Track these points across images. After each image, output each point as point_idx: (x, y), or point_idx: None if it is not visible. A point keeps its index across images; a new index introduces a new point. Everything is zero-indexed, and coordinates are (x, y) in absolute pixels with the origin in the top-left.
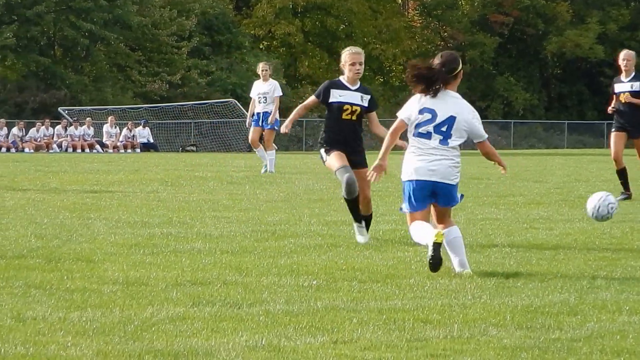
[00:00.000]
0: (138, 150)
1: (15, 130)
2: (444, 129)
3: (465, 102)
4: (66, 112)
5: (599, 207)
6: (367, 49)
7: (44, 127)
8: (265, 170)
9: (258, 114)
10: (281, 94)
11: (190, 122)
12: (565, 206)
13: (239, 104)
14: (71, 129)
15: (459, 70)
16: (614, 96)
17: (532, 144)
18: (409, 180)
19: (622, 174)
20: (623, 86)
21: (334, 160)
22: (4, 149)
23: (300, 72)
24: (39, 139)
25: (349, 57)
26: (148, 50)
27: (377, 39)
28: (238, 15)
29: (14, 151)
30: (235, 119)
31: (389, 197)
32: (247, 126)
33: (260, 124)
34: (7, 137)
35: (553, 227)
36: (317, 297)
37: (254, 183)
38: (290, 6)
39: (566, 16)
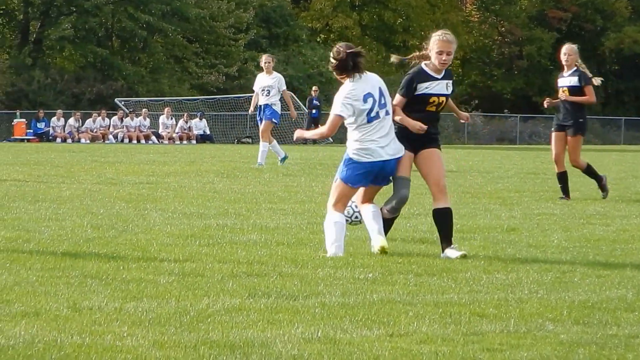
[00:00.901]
0: (194, 141)
1: (71, 120)
2: (383, 101)
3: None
4: (123, 103)
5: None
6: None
7: (100, 117)
8: (283, 160)
9: (260, 106)
10: (285, 87)
11: (246, 114)
12: (622, 202)
13: (295, 97)
14: (127, 120)
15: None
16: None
17: (589, 140)
18: (361, 161)
19: (562, 177)
20: (563, 81)
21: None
22: (60, 140)
23: None
24: (95, 130)
25: (438, 44)
26: (205, 42)
27: None
28: (296, 7)
29: (70, 142)
30: None
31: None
32: (249, 114)
33: (260, 116)
34: (64, 128)
35: (610, 223)
36: (373, 290)
37: (309, 175)
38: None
39: (625, 12)
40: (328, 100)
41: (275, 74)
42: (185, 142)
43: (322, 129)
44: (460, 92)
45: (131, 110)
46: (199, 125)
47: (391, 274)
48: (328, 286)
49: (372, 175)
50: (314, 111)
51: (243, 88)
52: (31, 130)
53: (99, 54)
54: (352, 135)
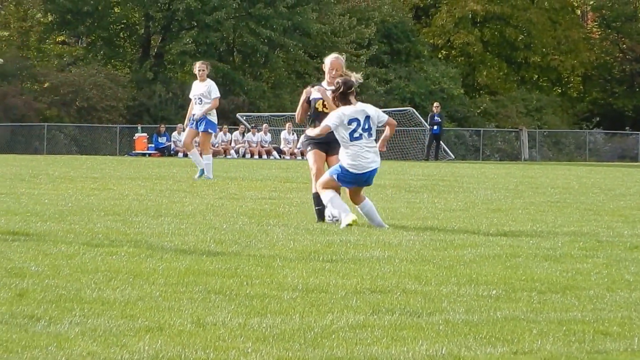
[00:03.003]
0: None
1: None
2: (367, 126)
3: (367, 104)
4: (244, 118)
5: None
6: (546, 59)
7: (222, 132)
8: (201, 175)
9: (194, 115)
10: (218, 95)
11: None
12: None
13: (416, 113)
14: (249, 135)
15: (354, 88)
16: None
17: None
18: (354, 172)
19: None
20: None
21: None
22: (181, 154)
23: (479, 81)
24: (216, 145)
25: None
26: None
27: (556, 49)
28: (417, 24)
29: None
30: (412, 128)
31: (567, 209)
32: (184, 127)
33: (195, 126)
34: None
35: None
36: (496, 307)
37: (432, 192)
38: (470, 16)
39: None
40: (450, 117)
41: (208, 81)
42: (306, 157)
43: (317, 130)
44: (581, 109)
45: (253, 125)
46: None
47: (515, 291)
48: (452, 303)
49: (357, 182)
50: (435, 127)
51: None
52: (152, 145)
53: (221, 69)
54: (343, 151)
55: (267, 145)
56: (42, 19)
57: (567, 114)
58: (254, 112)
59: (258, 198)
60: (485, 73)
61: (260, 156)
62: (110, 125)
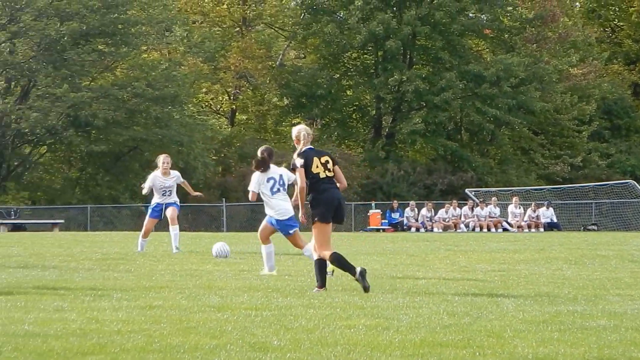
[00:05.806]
0: (541, 229)
1: (424, 211)
2: (281, 182)
3: (281, 168)
4: (472, 193)
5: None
6: None
7: (452, 207)
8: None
9: (160, 204)
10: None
11: (591, 202)
12: None
13: (637, 185)
14: (477, 209)
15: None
16: None
17: None
18: (278, 219)
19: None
20: None
21: None
22: (413, 229)
23: None
24: (447, 219)
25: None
26: (550, 134)
27: None
28: (636, 100)
29: (423, 231)
30: (634, 200)
31: None
32: (142, 192)
33: (161, 216)
34: (417, 218)
35: None
36: None
37: None
38: None
39: None
40: None
41: (172, 172)
42: (533, 230)
43: (249, 196)
44: None
45: (481, 200)
46: (546, 214)
47: None
48: None
49: (281, 225)
50: None
51: (588, 177)
52: (386, 221)
53: (449, 147)
54: (267, 205)
55: (496, 218)
56: (278, 103)
57: None
58: (481, 187)
59: (488, 270)
60: None
61: (489, 229)
62: (346, 203)
